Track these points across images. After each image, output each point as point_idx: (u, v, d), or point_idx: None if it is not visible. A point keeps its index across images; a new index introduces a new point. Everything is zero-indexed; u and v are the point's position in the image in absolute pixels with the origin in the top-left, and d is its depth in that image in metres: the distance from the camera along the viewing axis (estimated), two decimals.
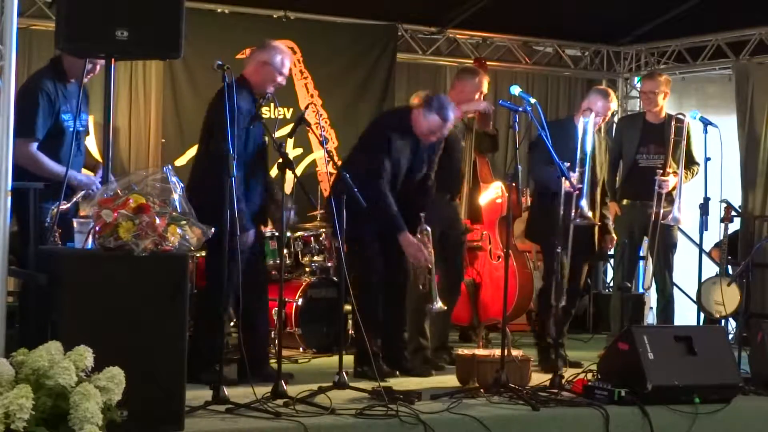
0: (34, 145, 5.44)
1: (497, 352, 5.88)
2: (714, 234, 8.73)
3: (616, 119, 9.96)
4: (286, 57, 6.16)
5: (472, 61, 9.45)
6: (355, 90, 9.48)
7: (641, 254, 9.05)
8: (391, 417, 4.96)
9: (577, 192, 6.55)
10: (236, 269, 5.29)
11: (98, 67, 5.64)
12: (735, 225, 9.32)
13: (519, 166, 6.09)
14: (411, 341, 6.68)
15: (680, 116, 7.85)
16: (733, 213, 8.93)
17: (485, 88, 7.31)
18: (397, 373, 6.30)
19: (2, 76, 4.54)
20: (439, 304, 6.47)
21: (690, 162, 7.78)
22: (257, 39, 8.92)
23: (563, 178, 6.29)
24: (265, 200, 6.14)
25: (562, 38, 10.42)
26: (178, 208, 4.62)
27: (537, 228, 7.06)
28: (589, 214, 6.76)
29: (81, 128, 5.73)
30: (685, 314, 9.38)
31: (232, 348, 7.06)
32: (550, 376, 5.99)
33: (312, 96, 9.21)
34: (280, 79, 6.12)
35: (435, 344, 7.04)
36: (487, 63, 8.86)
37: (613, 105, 7.10)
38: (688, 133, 7.68)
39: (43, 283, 4.51)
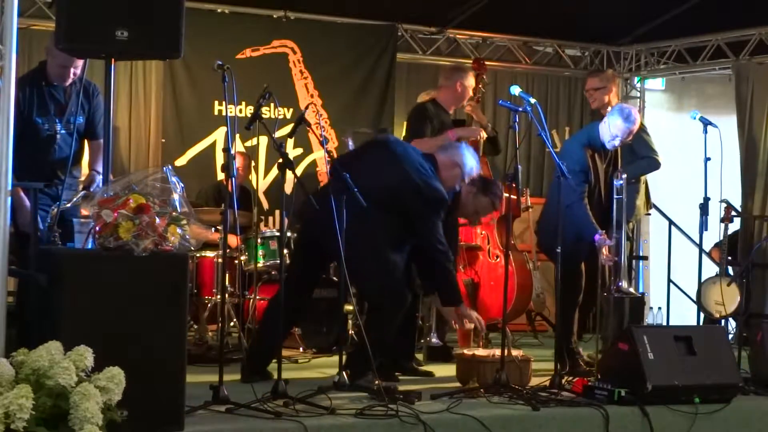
0: None
1: (497, 352, 5.88)
2: (714, 234, 8.73)
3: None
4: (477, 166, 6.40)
5: (471, 62, 9.47)
6: (355, 90, 9.48)
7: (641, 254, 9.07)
8: (391, 417, 4.96)
9: (612, 263, 6.56)
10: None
11: (71, 71, 5.63)
12: (735, 225, 9.32)
13: (519, 166, 6.09)
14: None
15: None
16: (733, 213, 8.93)
17: (473, 83, 7.30)
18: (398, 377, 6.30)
19: (2, 76, 4.53)
20: (435, 339, 6.84)
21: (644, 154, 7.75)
22: (257, 39, 9.04)
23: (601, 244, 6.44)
24: None
25: (562, 38, 10.42)
26: (178, 208, 4.62)
27: (552, 246, 6.33)
28: (631, 289, 6.76)
29: (62, 131, 5.72)
30: (685, 314, 9.39)
31: (232, 348, 7.09)
32: (549, 376, 6.02)
33: (312, 96, 9.21)
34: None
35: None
36: (487, 63, 8.86)
37: (633, 125, 6.75)
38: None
39: (43, 283, 4.51)
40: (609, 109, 7.24)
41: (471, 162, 6.28)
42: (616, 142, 6.73)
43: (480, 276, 7.76)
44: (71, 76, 5.69)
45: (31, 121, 5.60)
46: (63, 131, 5.71)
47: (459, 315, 6.22)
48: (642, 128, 7.95)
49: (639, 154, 7.62)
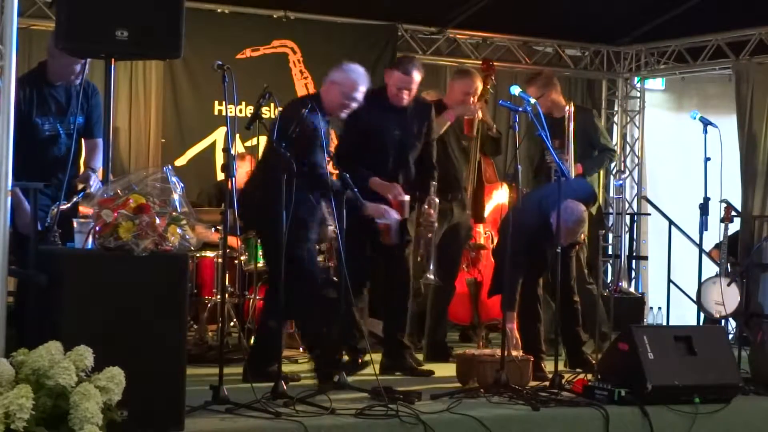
0: None
1: (497, 352, 5.88)
2: (714, 234, 8.74)
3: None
4: (359, 81, 6.12)
5: (471, 62, 9.48)
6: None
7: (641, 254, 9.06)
8: (391, 417, 4.96)
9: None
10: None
11: (77, 68, 5.62)
12: (735, 225, 9.32)
13: (519, 166, 6.09)
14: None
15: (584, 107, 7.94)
16: (733, 213, 8.93)
17: (478, 88, 7.28)
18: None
19: (2, 76, 4.53)
20: (432, 276, 6.51)
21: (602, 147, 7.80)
22: (257, 39, 9.03)
23: None
24: None
25: (562, 38, 10.43)
26: (178, 208, 4.62)
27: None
28: (631, 289, 6.64)
29: (62, 132, 5.71)
30: (685, 314, 9.40)
31: (232, 348, 7.08)
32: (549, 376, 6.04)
33: None
34: (350, 103, 6.10)
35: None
36: None
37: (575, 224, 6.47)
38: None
39: (43, 283, 4.51)
40: (562, 107, 7.30)
41: (349, 75, 6.08)
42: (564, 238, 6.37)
43: (483, 275, 7.76)
44: (75, 73, 5.65)
45: (31, 121, 5.59)
46: (63, 132, 5.69)
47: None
48: (596, 116, 7.98)
49: (596, 147, 7.63)
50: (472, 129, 7.38)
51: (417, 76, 6.51)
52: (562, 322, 6.51)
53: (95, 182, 5.52)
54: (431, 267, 6.60)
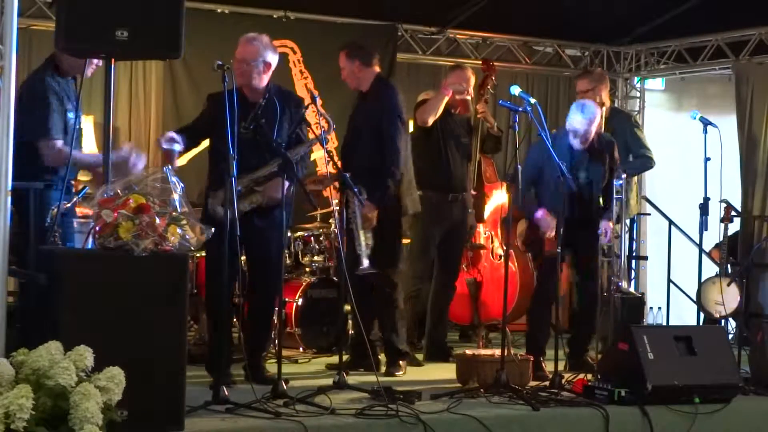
0: (59, 143, 5.37)
1: (497, 352, 5.89)
2: (714, 234, 8.74)
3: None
4: (240, 45, 6.03)
5: (471, 62, 9.47)
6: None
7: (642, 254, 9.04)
8: (391, 417, 4.96)
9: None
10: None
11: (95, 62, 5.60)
12: (735, 225, 9.32)
13: (519, 166, 6.09)
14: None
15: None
16: (733, 213, 8.93)
17: (470, 78, 7.30)
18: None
19: (2, 76, 4.53)
20: (365, 264, 6.27)
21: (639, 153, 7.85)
22: None
23: None
24: None
25: (562, 38, 10.42)
26: (178, 208, 4.62)
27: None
28: (631, 289, 6.69)
29: (80, 125, 5.68)
30: (685, 314, 9.40)
31: (233, 348, 7.07)
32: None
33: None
34: (239, 66, 5.97)
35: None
36: None
37: (592, 116, 6.62)
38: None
39: (43, 283, 4.51)
40: (602, 108, 7.30)
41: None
42: (578, 138, 6.55)
43: (483, 275, 7.76)
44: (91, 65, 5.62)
45: (66, 115, 5.54)
46: (79, 126, 5.64)
47: None
48: (636, 125, 7.97)
49: (633, 153, 7.60)
50: (466, 108, 7.38)
51: (344, 58, 6.65)
52: (576, 325, 6.54)
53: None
54: (362, 255, 6.29)
